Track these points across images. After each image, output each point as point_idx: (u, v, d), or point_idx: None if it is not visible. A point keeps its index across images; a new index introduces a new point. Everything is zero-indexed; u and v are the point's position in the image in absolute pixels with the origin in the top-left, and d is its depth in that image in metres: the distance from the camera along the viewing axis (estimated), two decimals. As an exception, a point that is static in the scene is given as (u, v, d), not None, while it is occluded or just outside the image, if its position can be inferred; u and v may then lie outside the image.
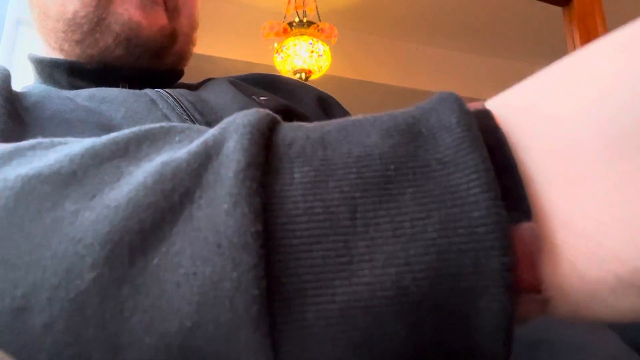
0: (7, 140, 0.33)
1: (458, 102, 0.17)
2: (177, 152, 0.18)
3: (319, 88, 0.66)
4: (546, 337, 0.40)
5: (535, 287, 0.16)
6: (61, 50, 0.52)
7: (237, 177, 0.16)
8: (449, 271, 0.15)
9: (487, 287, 0.15)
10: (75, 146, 0.19)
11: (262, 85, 0.62)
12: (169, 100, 0.46)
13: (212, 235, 0.15)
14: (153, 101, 0.46)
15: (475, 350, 0.16)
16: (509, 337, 0.16)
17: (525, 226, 0.15)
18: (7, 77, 0.44)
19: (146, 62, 0.52)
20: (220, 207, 0.16)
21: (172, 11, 0.53)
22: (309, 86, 0.65)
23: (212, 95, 0.50)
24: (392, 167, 0.16)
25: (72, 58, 0.52)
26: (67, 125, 0.41)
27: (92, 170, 0.18)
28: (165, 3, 0.52)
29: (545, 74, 0.17)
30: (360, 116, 0.19)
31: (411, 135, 0.17)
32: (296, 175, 0.16)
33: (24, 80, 0.57)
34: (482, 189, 0.15)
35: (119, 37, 0.50)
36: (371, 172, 0.16)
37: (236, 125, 0.18)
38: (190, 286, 0.15)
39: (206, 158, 0.17)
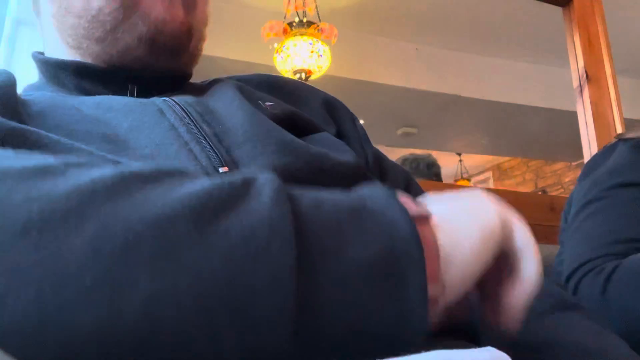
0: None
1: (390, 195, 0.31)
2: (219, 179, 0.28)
3: (319, 88, 0.65)
4: (550, 340, 0.40)
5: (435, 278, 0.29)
6: (79, 48, 0.51)
7: (273, 190, 0.27)
8: (393, 258, 0.27)
9: (414, 262, 0.27)
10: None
11: (267, 88, 0.60)
12: (177, 110, 0.45)
13: (261, 214, 0.25)
14: (161, 111, 0.45)
15: (404, 315, 0.27)
16: (427, 306, 0.27)
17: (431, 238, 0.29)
18: (12, 84, 0.43)
19: (164, 62, 0.51)
20: (264, 203, 0.26)
21: (190, 4, 0.52)
22: (314, 89, 0.64)
23: (220, 104, 0.49)
24: (356, 206, 0.29)
25: (87, 57, 0.51)
26: (70, 137, 0.40)
27: (163, 178, 0.26)
28: None
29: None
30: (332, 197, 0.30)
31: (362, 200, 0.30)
32: (304, 201, 0.28)
33: (25, 80, 0.56)
34: (402, 214, 0.29)
35: (143, 37, 0.49)
36: (347, 208, 0.29)
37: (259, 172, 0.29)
38: (248, 244, 0.24)
39: (247, 181, 0.27)
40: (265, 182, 0.27)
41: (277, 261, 0.24)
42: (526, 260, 0.34)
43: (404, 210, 0.29)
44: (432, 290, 0.28)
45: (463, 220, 0.32)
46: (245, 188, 0.27)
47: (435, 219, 0.31)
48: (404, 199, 0.31)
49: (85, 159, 0.27)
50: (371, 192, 0.31)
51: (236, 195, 0.26)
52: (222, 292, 0.23)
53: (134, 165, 0.27)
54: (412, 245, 0.28)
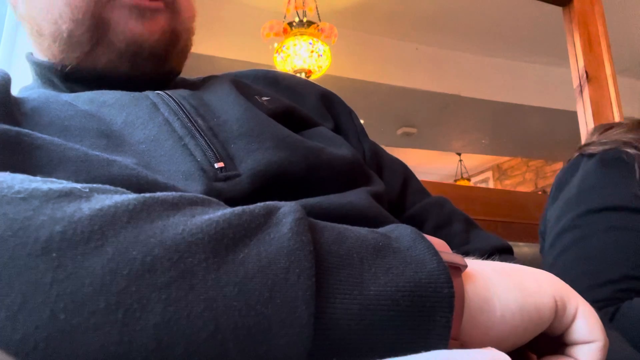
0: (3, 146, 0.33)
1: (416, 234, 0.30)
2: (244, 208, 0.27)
3: (319, 87, 0.65)
4: None
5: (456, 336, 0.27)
6: (60, 63, 0.50)
7: (295, 221, 0.26)
8: (420, 293, 0.26)
9: (441, 305, 0.26)
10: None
11: (263, 83, 0.60)
12: (170, 104, 0.45)
13: (280, 244, 0.25)
14: (154, 105, 0.44)
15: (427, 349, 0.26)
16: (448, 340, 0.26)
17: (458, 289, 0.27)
18: (6, 82, 0.42)
19: (151, 68, 0.50)
20: (284, 232, 0.25)
21: (172, 6, 0.50)
22: (311, 83, 0.63)
23: (214, 98, 0.49)
24: (381, 244, 0.28)
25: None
26: (65, 133, 0.40)
27: (185, 206, 0.26)
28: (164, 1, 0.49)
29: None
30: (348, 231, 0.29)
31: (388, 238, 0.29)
32: (325, 234, 0.27)
33: (24, 80, 0.56)
34: (430, 253, 0.28)
35: (123, 53, 0.48)
36: (371, 245, 0.28)
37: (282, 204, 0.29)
38: (265, 274, 0.24)
39: (269, 211, 0.27)
40: (287, 212, 0.27)
41: (294, 292, 0.23)
42: (585, 356, 0.30)
43: (432, 249, 0.28)
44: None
45: (504, 286, 0.29)
46: (266, 217, 0.26)
47: (470, 273, 0.29)
48: (439, 242, 0.30)
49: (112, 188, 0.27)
50: (398, 231, 0.30)
51: (256, 224, 0.26)
52: (235, 322, 0.22)
53: (158, 193, 0.27)
54: (440, 283, 0.26)
